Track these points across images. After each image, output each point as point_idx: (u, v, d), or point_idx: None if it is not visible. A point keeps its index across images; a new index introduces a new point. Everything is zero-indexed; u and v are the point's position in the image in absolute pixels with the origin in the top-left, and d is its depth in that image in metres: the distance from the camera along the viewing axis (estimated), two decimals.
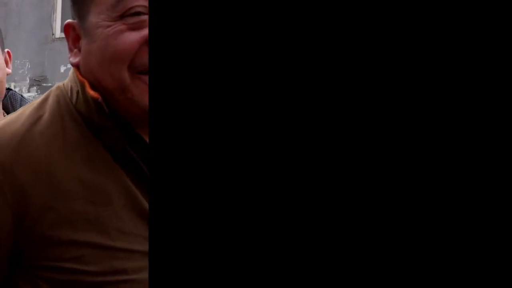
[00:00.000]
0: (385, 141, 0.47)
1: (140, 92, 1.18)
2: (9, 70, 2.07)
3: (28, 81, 11.67)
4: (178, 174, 0.53)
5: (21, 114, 1.29)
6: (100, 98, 1.21)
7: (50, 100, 1.28)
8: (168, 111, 0.53)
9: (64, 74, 11.30)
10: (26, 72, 11.71)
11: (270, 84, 0.50)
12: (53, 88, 1.32)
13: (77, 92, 1.25)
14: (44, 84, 11.52)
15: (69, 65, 11.22)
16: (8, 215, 1.20)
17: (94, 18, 1.22)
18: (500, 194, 0.44)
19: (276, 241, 0.50)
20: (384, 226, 0.47)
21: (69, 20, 1.30)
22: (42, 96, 1.31)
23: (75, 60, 1.28)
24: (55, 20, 11.54)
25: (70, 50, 1.30)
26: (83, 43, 1.27)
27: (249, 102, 0.50)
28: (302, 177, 0.50)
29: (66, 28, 1.30)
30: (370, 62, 0.47)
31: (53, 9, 11.54)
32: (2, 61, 2.02)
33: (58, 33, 11.44)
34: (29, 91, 11.55)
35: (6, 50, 2.10)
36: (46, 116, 1.26)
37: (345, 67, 0.48)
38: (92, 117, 1.23)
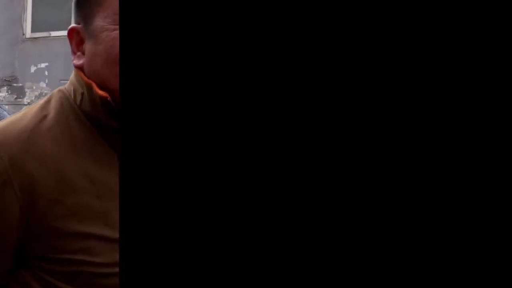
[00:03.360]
0: (384, 142, 0.47)
1: None
2: None
3: None
4: (150, 178, 0.54)
5: (25, 114, 1.34)
6: (109, 97, 1.24)
7: (53, 102, 1.34)
8: (141, 115, 0.54)
9: (34, 74, 11.19)
10: None
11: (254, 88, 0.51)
12: (54, 91, 1.38)
13: (82, 94, 1.30)
14: (15, 84, 11.40)
15: (39, 65, 11.11)
16: (16, 209, 1.24)
17: (100, 22, 1.28)
18: (499, 194, 0.45)
19: (253, 245, 0.50)
20: (384, 226, 0.47)
21: (73, 25, 1.36)
22: (44, 99, 1.37)
23: (79, 62, 1.33)
24: (26, 20, 11.42)
25: (73, 53, 1.35)
26: (87, 46, 1.32)
27: (230, 108, 0.51)
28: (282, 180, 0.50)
29: (70, 32, 1.35)
30: (369, 63, 0.48)
31: (24, 9, 11.42)
32: None
33: (29, 33, 11.32)
34: None
35: None
36: (51, 115, 1.31)
37: (343, 68, 0.48)
38: (98, 117, 1.28)
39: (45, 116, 1.31)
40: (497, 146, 0.48)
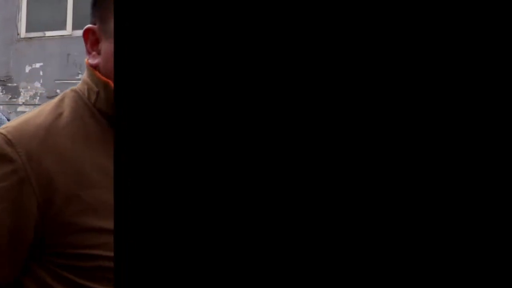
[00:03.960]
0: (384, 142, 0.47)
1: None
2: None
3: None
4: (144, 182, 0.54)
5: (41, 111, 1.35)
6: None
7: (67, 100, 1.36)
8: (135, 115, 0.54)
9: (29, 74, 11.17)
10: None
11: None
12: (67, 91, 1.40)
13: (97, 92, 1.33)
14: (9, 84, 11.38)
15: (34, 65, 11.09)
16: (34, 205, 1.25)
17: None
18: (499, 194, 0.45)
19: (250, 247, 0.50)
20: (384, 226, 0.47)
21: (88, 25, 1.38)
22: (57, 97, 1.39)
23: (94, 61, 1.36)
24: (20, 20, 11.40)
25: (88, 52, 1.37)
26: (103, 45, 1.35)
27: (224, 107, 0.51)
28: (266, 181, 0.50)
29: (85, 32, 1.38)
30: (369, 63, 0.47)
31: (18, 9, 11.40)
32: None
33: (23, 33, 11.31)
34: None
35: None
36: (66, 113, 1.33)
37: (343, 68, 0.48)
38: (114, 114, 1.28)
39: (60, 114, 1.33)
40: (497, 146, 0.47)
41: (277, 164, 0.51)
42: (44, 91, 10.91)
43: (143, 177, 0.55)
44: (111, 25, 1.31)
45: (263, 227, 0.50)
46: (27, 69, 11.19)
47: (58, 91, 10.52)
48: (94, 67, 1.35)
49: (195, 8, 0.53)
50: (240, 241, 0.52)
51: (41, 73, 11.08)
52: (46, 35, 10.99)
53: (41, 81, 11.04)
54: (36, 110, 1.38)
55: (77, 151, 1.28)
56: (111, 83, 1.30)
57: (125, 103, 0.56)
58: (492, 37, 0.47)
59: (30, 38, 11.18)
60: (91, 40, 1.37)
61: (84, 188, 1.26)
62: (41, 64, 11.05)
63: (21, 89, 11.31)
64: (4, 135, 1.29)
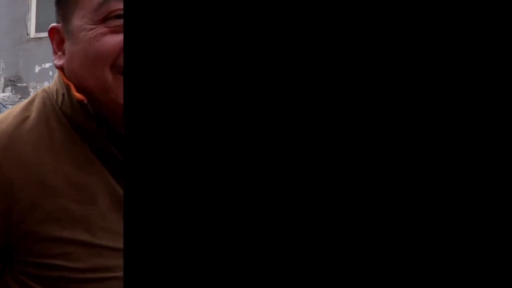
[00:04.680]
0: (384, 142, 0.47)
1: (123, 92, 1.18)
2: None
3: (2, 81, 11.58)
4: (154, 175, 0.54)
5: (8, 114, 1.32)
6: (85, 100, 1.23)
7: (36, 102, 1.32)
8: (144, 113, 0.54)
9: (38, 74, 11.22)
10: (1, 72, 11.62)
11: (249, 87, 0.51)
12: (39, 91, 1.37)
13: (63, 95, 1.28)
14: (19, 84, 11.44)
15: (43, 65, 11.14)
16: None
17: (78, 21, 1.25)
18: (500, 194, 0.45)
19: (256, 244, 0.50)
20: (384, 226, 0.47)
21: (53, 24, 1.33)
22: (28, 98, 1.35)
23: (59, 62, 1.31)
24: (30, 20, 11.46)
25: (55, 53, 1.32)
26: (67, 46, 1.30)
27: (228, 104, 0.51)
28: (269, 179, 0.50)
29: (50, 32, 1.33)
30: (369, 63, 0.47)
31: (28, 9, 11.46)
32: None
33: (33, 33, 11.36)
34: (3, 91, 11.46)
35: None
36: (32, 116, 1.29)
37: (343, 68, 0.48)
38: (77, 119, 1.25)
39: (26, 118, 1.29)
40: (497, 146, 0.47)
41: (280, 164, 0.51)
42: None
43: (150, 179, 0.56)
44: (72, 24, 1.27)
45: (264, 228, 0.51)
46: (37, 69, 11.24)
47: None
48: (60, 68, 1.31)
49: (200, 11, 0.53)
50: (251, 251, 0.52)
51: (50, 73, 11.12)
52: None
53: (51, 81, 11.06)
54: (4, 112, 1.35)
55: (40, 158, 1.24)
56: (73, 87, 1.26)
57: (135, 108, 0.56)
58: (492, 37, 0.47)
59: (40, 38, 11.23)
60: (57, 39, 1.33)
61: (46, 196, 1.22)
62: (51, 64, 11.08)
63: (30, 89, 11.36)
64: None
